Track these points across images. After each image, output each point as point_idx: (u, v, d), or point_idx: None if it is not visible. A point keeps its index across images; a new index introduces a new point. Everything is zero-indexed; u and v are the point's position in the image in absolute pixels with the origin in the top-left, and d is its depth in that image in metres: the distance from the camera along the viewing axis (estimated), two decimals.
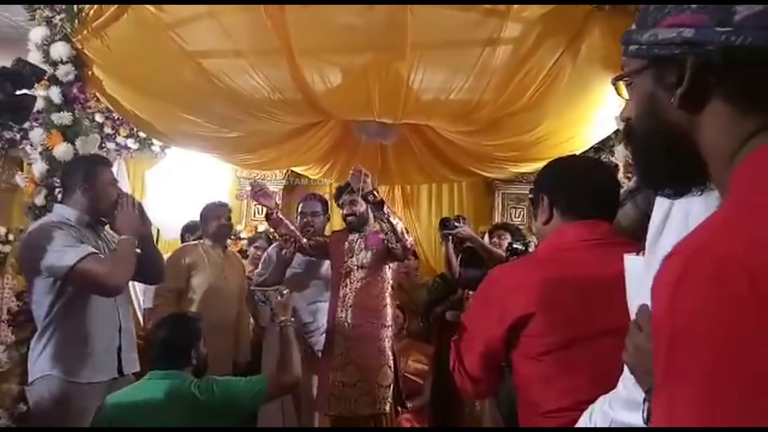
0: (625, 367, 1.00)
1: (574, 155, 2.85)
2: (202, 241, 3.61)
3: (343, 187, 3.36)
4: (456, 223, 3.71)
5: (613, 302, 1.31)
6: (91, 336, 2.34)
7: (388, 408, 3.10)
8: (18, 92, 1.78)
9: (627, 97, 0.80)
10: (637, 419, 0.95)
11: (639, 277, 1.01)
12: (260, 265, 3.71)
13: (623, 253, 1.39)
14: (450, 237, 3.73)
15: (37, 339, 2.31)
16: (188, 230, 4.38)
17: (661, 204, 1.01)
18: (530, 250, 3.98)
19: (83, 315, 2.31)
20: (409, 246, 3.09)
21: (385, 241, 3.06)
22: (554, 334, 1.38)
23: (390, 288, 3.22)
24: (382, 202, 3.01)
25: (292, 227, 3.32)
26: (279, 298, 2.34)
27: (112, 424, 2.00)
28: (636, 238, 1.77)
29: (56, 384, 2.25)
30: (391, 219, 3.02)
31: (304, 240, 3.35)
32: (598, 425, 1.06)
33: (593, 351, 1.37)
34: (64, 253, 2.17)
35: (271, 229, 4.85)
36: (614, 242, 1.49)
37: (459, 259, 3.92)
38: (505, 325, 1.41)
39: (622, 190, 1.93)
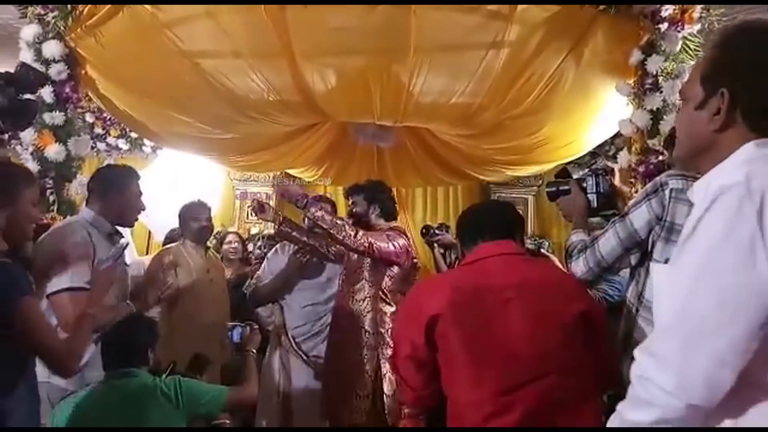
0: (634, 364, 1.02)
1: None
2: (182, 242, 3.41)
3: (348, 189, 3.28)
4: (437, 231, 3.67)
5: (519, 306, 1.63)
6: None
7: (365, 419, 2.85)
8: (21, 97, 1.74)
9: None
10: (643, 417, 0.99)
11: (662, 282, 1.15)
12: (262, 271, 3.47)
13: (524, 262, 1.78)
14: (434, 244, 3.68)
15: None
16: (171, 239, 4.26)
17: (692, 215, 1.01)
18: (542, 250, 3.98)
19: None
20: (359, 248, 2.82)
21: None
22: (461, 332, 1.60)
23: (381, 293, 2.97)
24: (306, 206, 2.85)
25: (304, 237, 3.17)
26: (249, 333, 2.63)
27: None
28: (646, 241, 1.76)
29: (55, 391, 2.19)
30: (321, 222, 2.83)
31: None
32: (615, 425, 1.07)
33: (500, 350, 1.60)
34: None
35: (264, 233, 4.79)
36: (518, 254, 1.82)
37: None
38: (422, 326, 1.64)
39: (636, 193, 1.92)
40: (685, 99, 1.15)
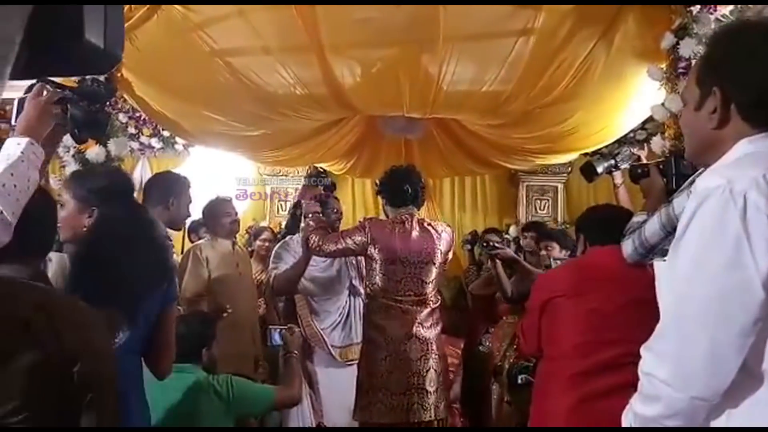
0: (641, 360, 1.07)
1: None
2: (209, 238, 3.47)
3: None
4: (497, 244, 3.38)
5: None
6: None
7: (358, 415, 2.82)
8: (93, 108, 1.84)
9: None
10: (649, 411, 1.04)
11: (661, 278, 1.18)
12: (279, 265, 3.31)
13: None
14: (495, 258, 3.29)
15: None
16: (194, 231, 4.33)
17: (683, 216, 1.06)
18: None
19: None
20: (318, 251, 2.85)
21: None
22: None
23: (364, 287, 2.97)
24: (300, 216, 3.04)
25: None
26: (290, 335, 2.66)
27: None
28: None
29: None
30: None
31: None
32: (628, 419, 1.12)
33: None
34: None
35: None
36: None
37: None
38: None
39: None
40: (685, 102, 1.19)
